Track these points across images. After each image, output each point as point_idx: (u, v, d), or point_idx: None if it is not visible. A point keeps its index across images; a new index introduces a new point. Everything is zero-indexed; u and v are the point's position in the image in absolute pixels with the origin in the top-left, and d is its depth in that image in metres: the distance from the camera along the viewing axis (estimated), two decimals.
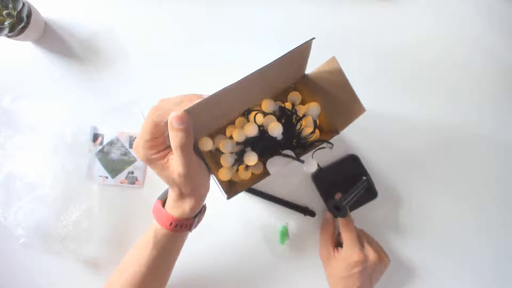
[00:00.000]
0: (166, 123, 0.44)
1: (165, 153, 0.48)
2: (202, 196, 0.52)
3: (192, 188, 0.49)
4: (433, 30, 0.76)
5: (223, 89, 0.43)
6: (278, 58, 0.45)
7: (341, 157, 0.73)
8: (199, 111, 0.44)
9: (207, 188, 0.52)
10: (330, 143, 0.60)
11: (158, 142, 0.48)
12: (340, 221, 0.66)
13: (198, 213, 0.53)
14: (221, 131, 0.60)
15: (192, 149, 0.46)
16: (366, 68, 0.74)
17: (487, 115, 0.75)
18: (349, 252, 0.64)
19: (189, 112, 0.43)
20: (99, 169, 0.72)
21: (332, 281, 0.67)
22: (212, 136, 0.58)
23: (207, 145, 0.56)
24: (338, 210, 0.66)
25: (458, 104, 0.75)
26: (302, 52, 0.51)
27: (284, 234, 0.71)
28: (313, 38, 0.48)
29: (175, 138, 0.43)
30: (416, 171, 0.74)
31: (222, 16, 0.74)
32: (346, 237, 0.65)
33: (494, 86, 0.76)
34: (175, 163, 0.46)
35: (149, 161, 0.48)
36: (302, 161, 0.57)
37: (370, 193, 0.71)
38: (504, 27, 0.76)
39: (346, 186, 0.69)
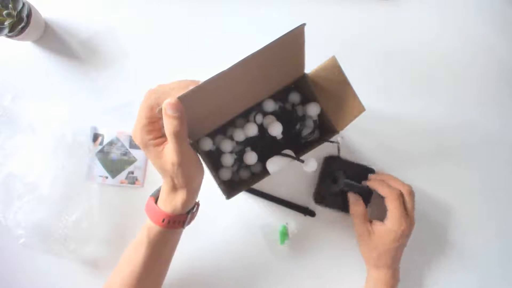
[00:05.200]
0: (160, 110, 0.44)
1: (162, 140, 0.48)
2: (195, 189, 0.52)
3: (184, 180, 0.49)
4: (435, 30, 0.76)
5: (217, 74, 0.42)
6: (271, 42, 0.44)
7: (360, 163, 0.72)
8: (194, 100, 0.44)
9: (199, 182, 0.52)
10: (331, 141, 0.60)
11: (156, 127, 0.48)
12: (385, 191, 0.65)
13: (191, 209, 0.53)
14: (221, 131, 0.60)
15: (186, 139, 0.46)
16: (367, 68, 0.74)
17: (489, 116, 0.75)
18: (397, 222, 0.63)
19: (183, 99, 0.42)
20: (99, 169, 0.72)
21: (376, 255, 0.65)
22: (212, 136, 0.58)
23: (207, 145, 0.56)
24: (334, 182, 0.66)
25: (460, 105, 0.75)
26: (296, 39, 0.49)
27: (284, 234, 0.71)
28: (304, 24, 0.48)
29: (169, 125, 0.43)
30: (417, 171, 0.74)
31: (223, 16, 0.74)
32: (393, 207, 0.64)
33: (497, 87, 0.75)
34: (169, 151, 0.46)
35: (146, 146, 0.48)
36: (302, 161, 0.57)
37: (366, 198, 0.70)
38: (506, 28, 0.76)
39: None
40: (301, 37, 0.49)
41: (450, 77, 0.75)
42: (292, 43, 0.49)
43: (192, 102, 0.44)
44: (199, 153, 0.53)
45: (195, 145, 0.55)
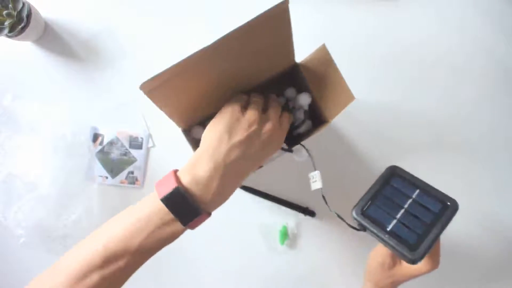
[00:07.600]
0: None
1: None
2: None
3: None
4: (433, 29, 0.75)
5: (201, 49, 0.44)
6: (254, 17, 0.44)
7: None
8: (183, 81, 0.44)
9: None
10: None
11: None
12: None
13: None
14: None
15: None
16: (367, 67, 0.74)
17: (486, 115, 0.74)
18: (436, 264, 0.53)
19: (172, 79, 0.43)
20: (99, 169, 0.72)
21: (389, 282, 0.57)
22: (204, 124, 0.57)
23: (198, 133, 0.56)
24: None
25: (460, 103, 0.74)
26: (280, 18, 0.48)
27: (284, 234, 0.70)
28: (287, 1, 0.47)
29: None
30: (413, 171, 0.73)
31: (223, 16, 0.74)
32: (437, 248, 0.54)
33: (494, 86, 0.74)
34: None
35: None
36: (291, 151, 0.56)
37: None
38: (504, 27, 0.75)
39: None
40: (286, 14, 0.48)
41: (449, 76, 0.74)
42: (276, 21, 0.48)
43: (181, 83, 0.44)
44: (189, 141, 0.53)
45: (187, 133, 0.55)
